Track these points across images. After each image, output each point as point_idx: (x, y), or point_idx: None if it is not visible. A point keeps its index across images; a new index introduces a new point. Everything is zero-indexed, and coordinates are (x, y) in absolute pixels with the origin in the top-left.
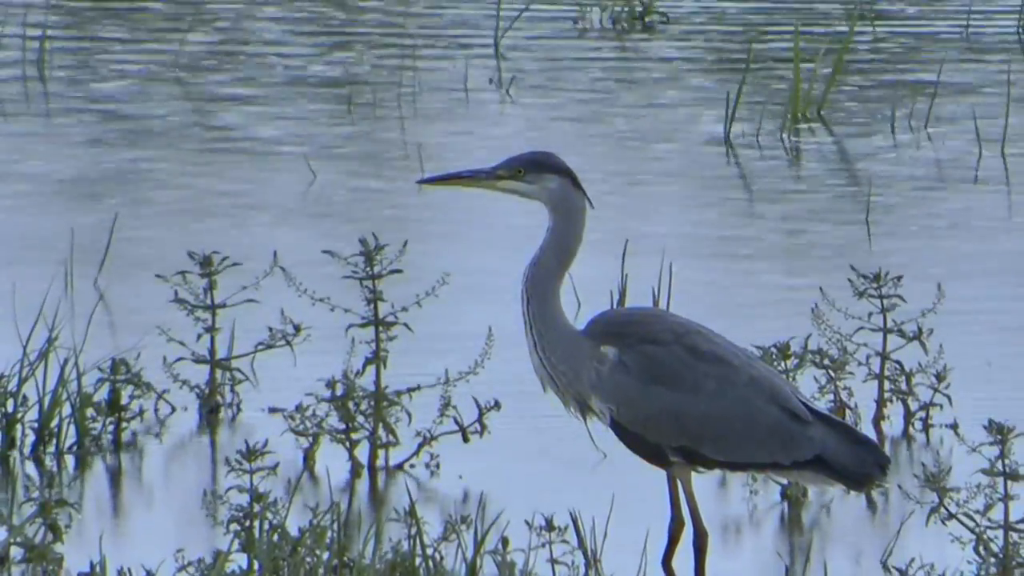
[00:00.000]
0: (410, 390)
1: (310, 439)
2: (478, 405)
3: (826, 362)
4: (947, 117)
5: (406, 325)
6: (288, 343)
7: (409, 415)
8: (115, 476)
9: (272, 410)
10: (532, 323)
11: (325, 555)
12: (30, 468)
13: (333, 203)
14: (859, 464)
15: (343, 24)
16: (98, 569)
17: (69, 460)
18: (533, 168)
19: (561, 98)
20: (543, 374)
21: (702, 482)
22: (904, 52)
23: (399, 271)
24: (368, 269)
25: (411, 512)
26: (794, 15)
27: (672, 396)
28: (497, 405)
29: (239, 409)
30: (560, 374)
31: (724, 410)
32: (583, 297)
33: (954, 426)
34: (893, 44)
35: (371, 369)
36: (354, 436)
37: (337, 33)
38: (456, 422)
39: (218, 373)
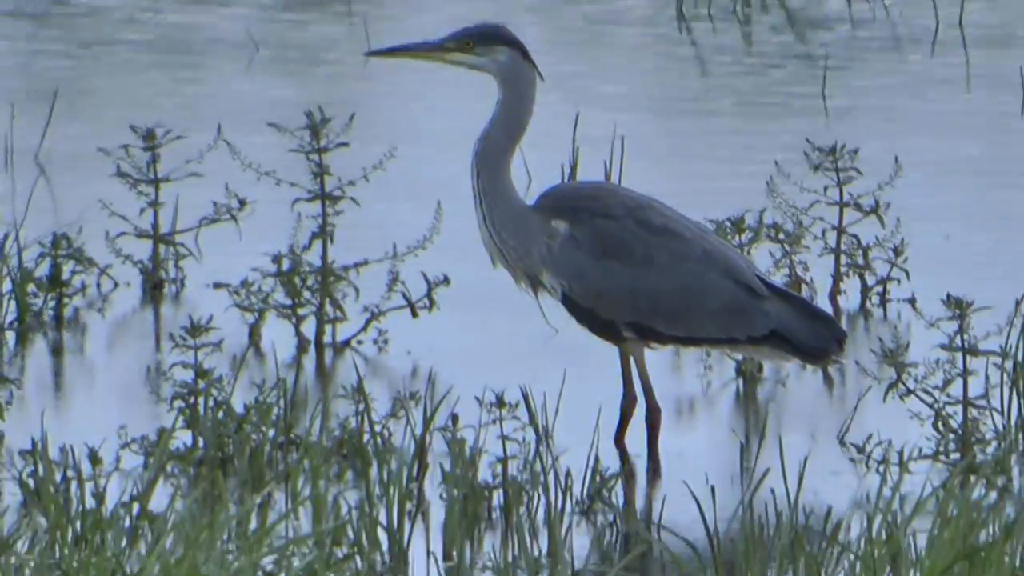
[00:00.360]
0: (357, 265)
1: (256, 315)
2: (427, 280)
3: (781, 236)
4: None
5: (353, 199)
6: (233, 218)
7: (356, 290)
8: (57, 352)
9: (217, 285)
10: (482, 197)
11: (271, 432)
12: None
13: (277, 76)
14: (816, 338)
15: None
16: (39, 447)
17: (9, 336)
18: (482, 40)
19: None
20: (493, 249)
21: (655, 359)
22: None
23: (346, 144)
24: (314, 142)
25: (359, 389)
26: None
27: (624, 270)
28: (446, 280)
29: (183, 285)
30: (510, 249)
31: (677, 284)
32: (533, 171)
33: (912, 301)
34: None
35: (318, 244)
36: (300, 312)
37: None
38: (404, 297)
39: (162, 248)
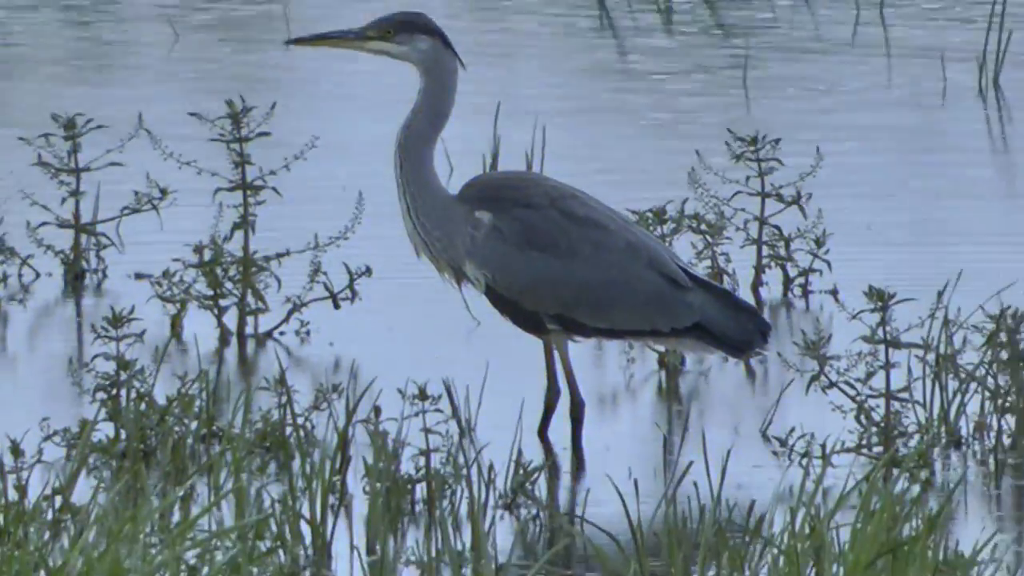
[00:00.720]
0: (279, 255)
1: (177, 305)
2: (349, 271)
3: (703, 227)
4: None
5: (274, 189)
6: (154, 207)
7: (278, 281)
8: None
9: (138, 276)
10: (405, 187)
11: (193, 424)
12: None
13: (198, 65)
14: (740, 331)
15: None
16: None
17: None
18: (403, 28)
19: None
20: (416, 240)
21: (578, 351)
22: None
23: (267, 134)
24: (235, 132)
25: (281, 380)
26: None
27: (548, 262)
28: (368, 271)
29: (104, 275)
30: (434, 240)
31: (601, 276)
32: (455, 161)
33: (834, 292)
34: None
35: (239, 234)
36: (222, 302)
37: None
38: (326, 288)
39: (83, 238)
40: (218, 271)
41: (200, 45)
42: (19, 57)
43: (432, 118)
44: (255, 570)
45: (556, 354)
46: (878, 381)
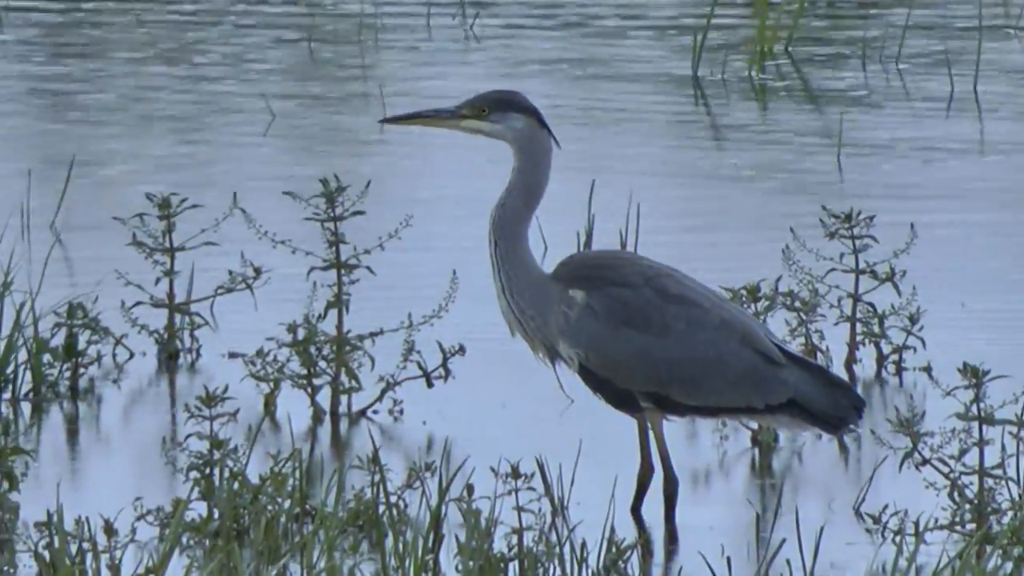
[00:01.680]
0: (372, 334)
1: (271, 384)
2: (442, 349)
3: (797, 304)
4: (918, 52)
5: (368, 268)
6: (248, 286)
7: (372, 359)
8: (72, 423)
9: (232, 355)
10: (500, 265)
11: (286, 503)
12: None
13: (294, 144)
14: (835, 407)
15: None
16: (55, 518)
17: (25, 407)
18: (498, 107)
19: (527, 36)
20: (511, 318)
21: (670, 429)
22: None
23: (361, 212)
24: (329, 211)
25: (374, 458)
26: None
27: (642, 339)
28: (462, 349)
29: (198, 354)
30: (528, 318)
31: (695, 353)
32: (549, 240)
33: (927, 369)
34: None
35: (333, 313)
36: (316, 381)
37: None
38: (420, 367)
39: (177, 317)
40: (312, 350)
41: (296, 123)
42: (113, 138)
43: (526, 197)
44: None
45: (650, 432)
46: (971, 458)
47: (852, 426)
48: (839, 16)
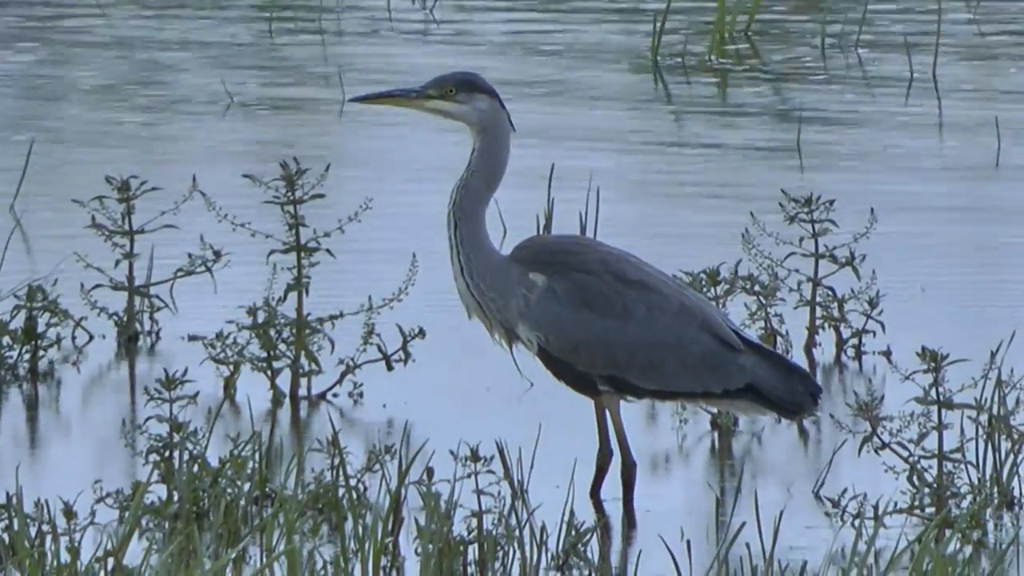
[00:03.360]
0: (332, 317)
1: (230, 367)
2: (402, 332)
3: (756, 288)
4: (877, 40)
5: (328, 251)
6: (208, 269)
7: (332, 343)
8: (31, 406)
9: (192, 338)
10: (459, 247)
11: (246, 486)
12: None
13: (253, 127)
14: (791, 393)
15: None
16: (13, 501)
17: None
18: (463, 88)
19: (487, 23)
20: (470, 300)
21: (630, 412)
22: None
23: (321, 196)
24: (289, 194)
25: (334, 442)
26: None
27: (602, 324)
28: (421, 332)
29: (158, 337)
30: (488, 300)
31: (654, 338)
32: (508, 223)
33: (887, 353)
34: None
35: (292, 296)
36: (275, 364)
37: None
38: (379, 350)
39: (136, 300)
40: (272, 333)
41: (255, 109)
42: (70, 122)
43: (488, 177)
44: None
45: (608, 415)
46: (931, 442)
47: (808, 413)
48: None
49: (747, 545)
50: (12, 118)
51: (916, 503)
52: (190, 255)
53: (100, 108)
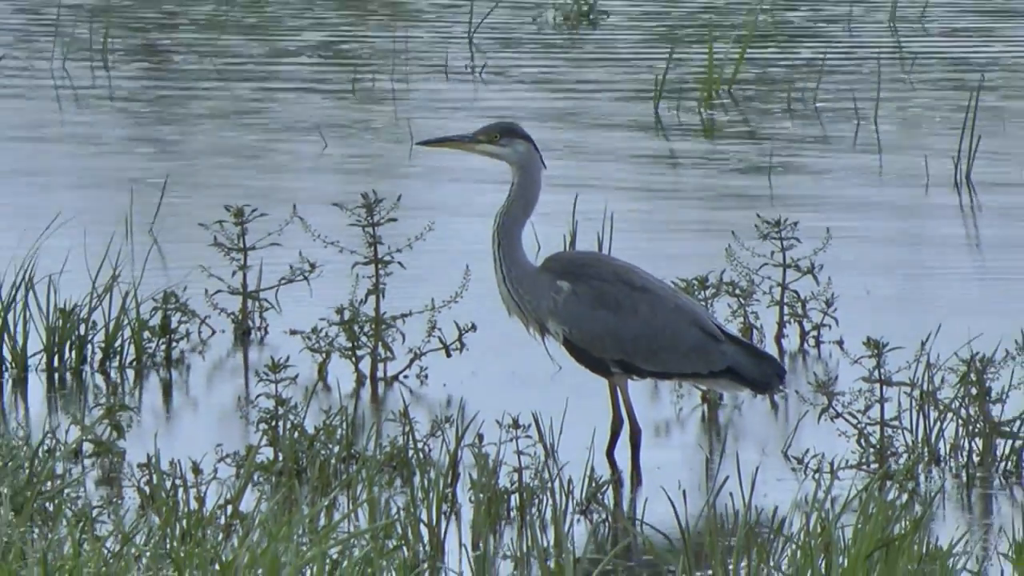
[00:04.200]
0: (403, 315)
1: (323, 355)
2: (458, 327)
3: (737, 291)
4: (831, 94)
5: (400, 263)
6: (305, 278)
7: (402, 335)
8: (166, 386)
9: (292, 332)
10: (502, 261)
11: (335, 448)
12: (98, 380)
13: (341, 165)
14: (761, 374)
15: (348, 23)
16: (153, 461)
17: (129, 373)
18: (506, 134)
19: (523, 78)
20: (510, 302)
21: (636, 389)
22: (795, 40)
23: (394, 220)
24: (369, 218)
25: (404, 413)
26: (708, 17)
27: (614, 320)
28: (473, 327)
29: (266, 331)
30: (524, 302)
31: (654, 330)
32: (542, 241)
33: (839, 343)
34: (788, 31)
35: (372, 298)
36: (358, 353)
37: (343, 27)
38: (440, 341)
39: (248, 302)
40: (355, 328)
41: (342, 149)
42: (198, 160)
43: (524, 206)
44: (384, 563)
45: (619, 392)
46: (874, 412)
47: (778, 388)
48: (769, 63)
49: (730, 494)
50: (149, 158)
51: (863, 460)
52: (291, 267)
53: (218, 148)
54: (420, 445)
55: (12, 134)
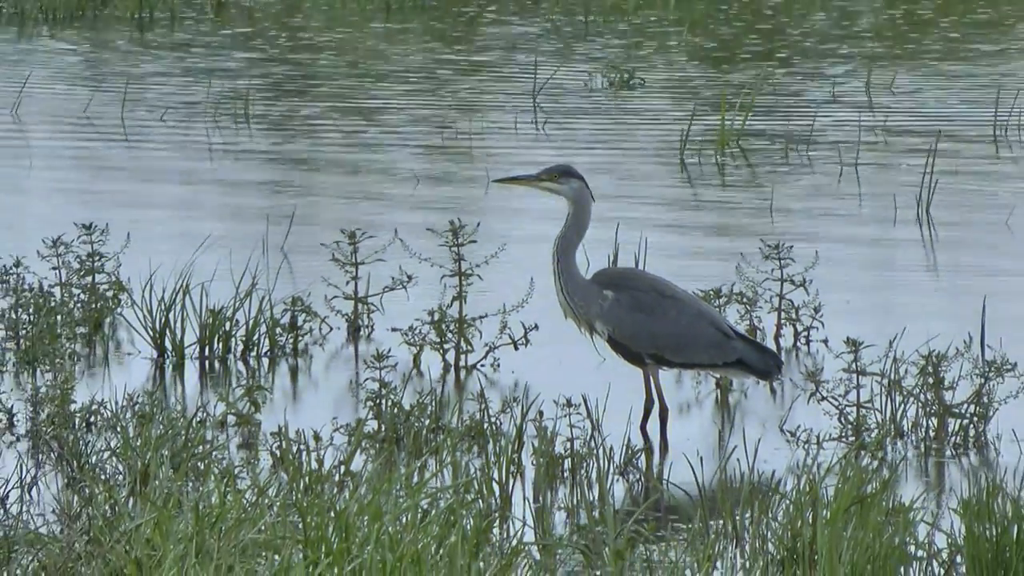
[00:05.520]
0: (480, 317)
1: (417, 348)
2: (523, 326)
3: (744, 300)
4: (820, 146)
5: (479, 276)
6: (404, 287)
7: (480, 332)
8: (293, 371)
9: (393, 330)
10: (559, 275)
11: (426, 421)
12: (240, 366)
13: (432, 200)
14: (764, 364)
15: (437, 85)
16: (282, 430)
17: (264, 361)
18: (564, 174)
19: (576, 131)
20: (566, 308)
21: (665, 377)
22: (791, 101)
23: (475, 241)
24: (455, 240)
25: (480, 395)
26: (723, 84)
27: (648, 321)
28: (536, 327)
29: (372, 329)
30: (577, 307)
31: (680, 330)
32: (591, 259)
33: (825, 341)
34: (785, 94)
35: (456, 303)
36: (445, 346)
37: (433, 92)
38: (510, 337)
39: (359, 306)
40: (443, 327)
41: (433, 188)
42: (321, 197)
43: (577, 231)
44: (464, 512)
45: (651, 378)
46: (852, 396)
47: (776, 376)
48: (771, 120)
49: (738, 460)
50: (279, 194)
51: (843, 434)
52: (392, 278)
53: (332, 186)
54: (493, 420)
55: (171, 178)
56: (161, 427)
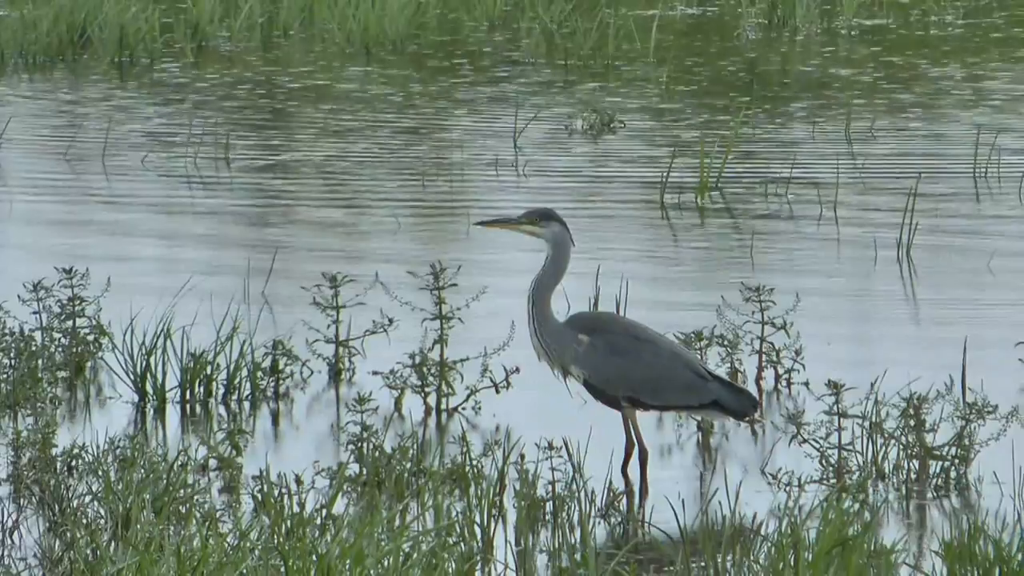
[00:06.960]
0: (462, 360)
1: (399, 391)
2: (504, 369)
3: (725, 343)
4: (800, 186)
5: (459, 319)
6: (385, 330)
7: (461, 375)
8: (275, 415)
9: (375, 373)
10: (533, 317)
11: (408, 464)
12: (221, 410)
13: (413, 243)
14: (740, 405)
15: (412, 129)
16: (264, 473)
17: (246, 405)
18: (544, 217)
19: (556, 175)
20: (540, 351)
21: (645, 419)
22: (771, 143)
23: (455, 285)
24: (436, 283)
25: (463, 437)
26: (702, 126)
27: (624, 364)
28: (517, 370)
29: (354, 372)
30: (552, 351)
31: (656, 373)
32: (572, 301)
33: (806, 383)
34: (764, 136)
35: (437, 346)
36: (427, 389)
37: (410, 131)
38: (491, 380)
39: (340, 349)
40: (424, 370)
41: (414, 231)
42: (298, 241)
43: (555, 275)
44: (445, 555)
45: (630, 421)
46: (834, 439)
47: (752, 416)
48: (752, 161)
49: (719, 503)
50: (259, 238)
51: (824, 477)
52: (374, 321)
53: (311, 230)
54: (474, 463)
55: (151, 223)
56: (143, 471)
